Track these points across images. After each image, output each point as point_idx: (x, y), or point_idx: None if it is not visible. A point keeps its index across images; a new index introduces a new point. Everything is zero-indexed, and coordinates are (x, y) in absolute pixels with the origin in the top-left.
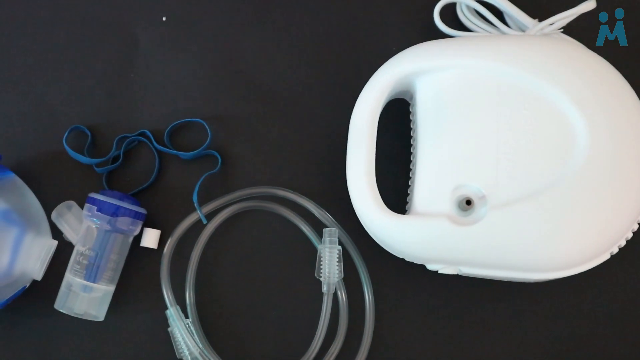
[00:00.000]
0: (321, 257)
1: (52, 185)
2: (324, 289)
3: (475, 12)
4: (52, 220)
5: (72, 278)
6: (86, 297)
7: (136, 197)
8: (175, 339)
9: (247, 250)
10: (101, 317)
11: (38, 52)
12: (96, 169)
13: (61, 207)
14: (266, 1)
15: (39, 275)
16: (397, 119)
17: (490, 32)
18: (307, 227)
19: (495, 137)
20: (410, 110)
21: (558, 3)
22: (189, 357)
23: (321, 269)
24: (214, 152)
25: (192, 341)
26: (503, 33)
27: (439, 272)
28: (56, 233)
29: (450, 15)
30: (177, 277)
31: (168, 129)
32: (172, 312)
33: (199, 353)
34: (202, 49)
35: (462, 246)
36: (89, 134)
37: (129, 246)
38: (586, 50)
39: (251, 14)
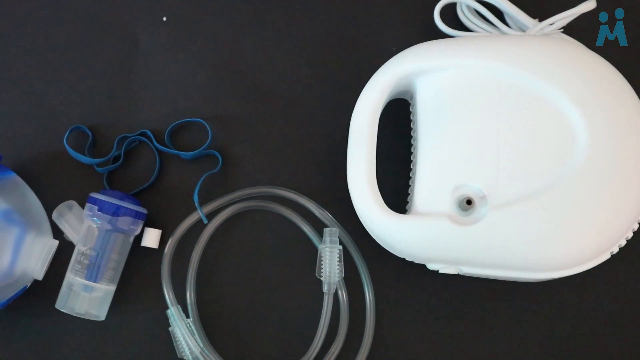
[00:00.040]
0: (322, 256)
1: (53, 185)
2: (325, 288)
3: (475, 12)
4: (53, 220)
5: (73, 278)
6: (87, 297)
7: (137, 197)
8: (176, 339)
9: (247, 250)
10: (102, 316)
11: (38, 52)
12: (97, 168)
13: (62, 206)
14: (266, 1)
15: (40, 275)
16: (398, 119)
17: (490, 32)
18: (308, 227)
19: (495, 137)
20: (411, 110)
21: (558, 3)
22: (190, 357)
23: (322, 268)
24: (215, 152)
25: (193, 341)
26: (503, 33)
27: (440, 271)
28: (57, 233)
29: (451, 15)
30: (177, 276)
31: (169, 128)
32: (173, 312)
33: (200, 352)
34: (202, 49)
35: (463, 246)
36: (90, 133)
37: (130, 246)
38: (586, 50)
39: (251, 14)
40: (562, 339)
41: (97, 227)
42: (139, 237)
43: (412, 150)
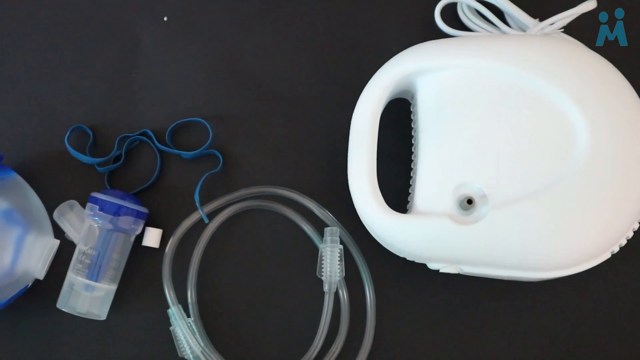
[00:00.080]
0: (322, 256)
1: (54, 185)
2: (326, 288)
3: (476, 12)
4: (54, 219)
5: (74, 277)
6: (88, 296)
7: (138, 197)
8: (177, 338)
9: (248, 250)
10: (103, 316)
11: (38, 52)
12: (98, 168)
13: (63, 206)
14: (267, 1)
15: (41, 275)
16: (399, 119)
17: (491, 32)
18: (309, 226)
19: (496, 136)
20: (412, 109)
21: (558, 3)
22: (191, 356)
23: (322, 268)
24: (216, 151)
25: (194, 340)
26: (504, 33)
27: (440, 271)
28: (58, 232)
29: (451, 15)
30: (178, 276)
31: (169, 128)
32: (174, 311)
33: (201, 352)
34: (203, 49)
35: (463, 245)
36: (91, 133)
37: (131, 245)
38: (587, 49)
39: (252, 14)
40: (562, 339)
41: (98, 226)
42: (140, 237)
43: (412, 150)
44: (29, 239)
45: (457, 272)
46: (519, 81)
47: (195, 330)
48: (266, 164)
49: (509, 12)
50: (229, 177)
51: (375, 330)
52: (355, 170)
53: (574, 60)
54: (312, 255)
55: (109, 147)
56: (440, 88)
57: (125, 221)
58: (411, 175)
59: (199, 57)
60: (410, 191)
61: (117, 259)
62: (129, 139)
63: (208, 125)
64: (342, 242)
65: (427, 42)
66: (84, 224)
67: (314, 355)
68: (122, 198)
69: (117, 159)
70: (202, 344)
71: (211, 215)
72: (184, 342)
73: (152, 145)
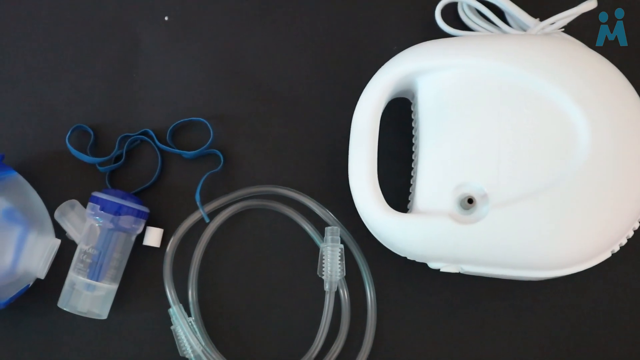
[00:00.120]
0: (323, 255)
1: (55, 184)
2: (326, 287)
3: (476, 12)
4: (55, 219)
5: (75, 276)
6: (89, 296)
7: (139, 196)
8: (178, 337)
9: (249, 249)
10: (104, 315)
11: (38, 52)
12: (99, 168)
13: (64, 205)
14: (267, 1)
15: (42, 274)
16: (399, 118)
17: (491, 32)
18: (309, 226)
19: (496, 136)
20: (412, 109)
21: (559, 3)
22: (192, 355)
23: (323, 267)
24: (216, 151)
25: (195, 339)
26: (504, 32)
27: (441, 270)
28: (59, 232)
29: (452, 15)
30: (179, 275)
31: (170, 128)
32: (175, 311)
33: (202, 351)
34: (203, 49)
35: (464, 244)
36: (92, 133)
37: (132, 245)
38: (587, 49)
39: (252, 14)
40: (562, 339)
41: (99, 226)
42: (140, 236)
43: (413, 149)
44: (30, 238)
45: (457, 271)
46: (520, 81)
47: (196, 329)
48: (267, 163)
49: (510, 12)
50: (229, 177)
51: (376, 329)
52: (355, 169)
53: (575, 60)
54: (313, 254)
55: (109, 146)
56: (441, 88)
57: (126, 221)
58: (412, 174)
59: (199, 57)
60: (410, 190)
61: (118, 258)
62: (129, 139)
63: (209, 125)
64: (342, 242)
65: (428, 41)
66: (85, 223)
67: (314, 355)
68: (123, 197)
69: (118, 158)
70: (203, 343)
71: (212, 215)
72: (184, 341)
73: (153, 144)
